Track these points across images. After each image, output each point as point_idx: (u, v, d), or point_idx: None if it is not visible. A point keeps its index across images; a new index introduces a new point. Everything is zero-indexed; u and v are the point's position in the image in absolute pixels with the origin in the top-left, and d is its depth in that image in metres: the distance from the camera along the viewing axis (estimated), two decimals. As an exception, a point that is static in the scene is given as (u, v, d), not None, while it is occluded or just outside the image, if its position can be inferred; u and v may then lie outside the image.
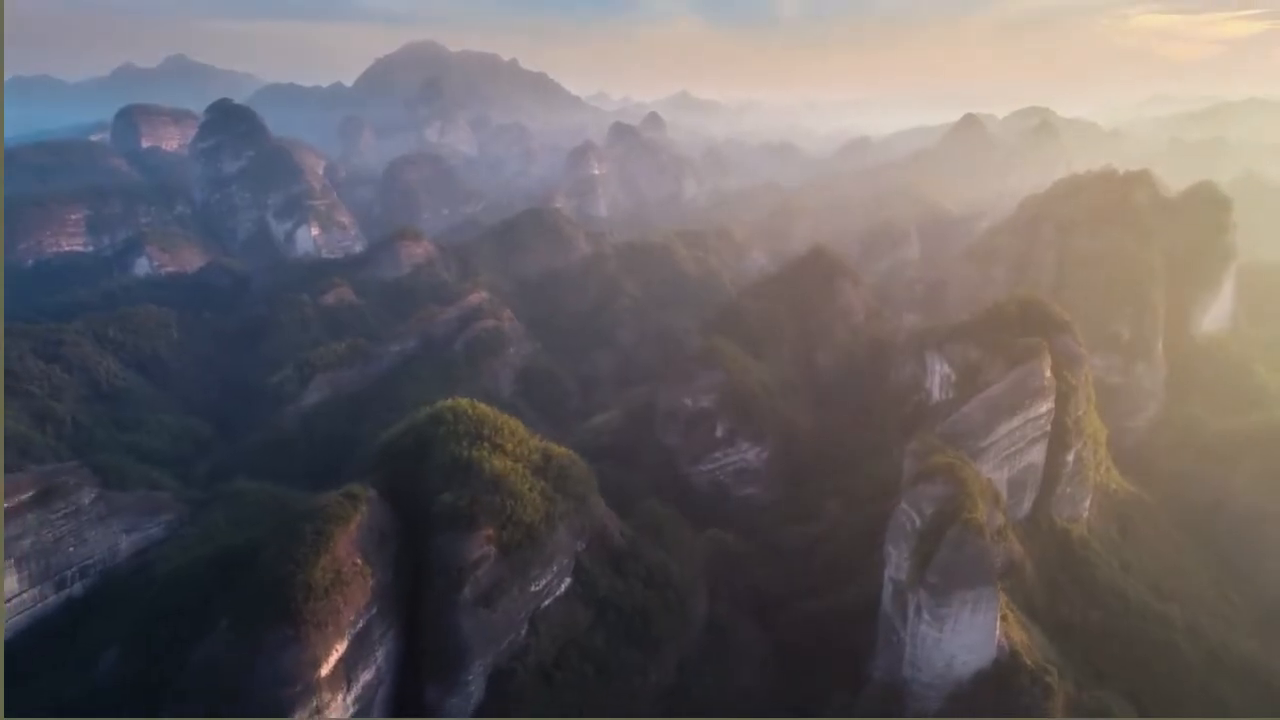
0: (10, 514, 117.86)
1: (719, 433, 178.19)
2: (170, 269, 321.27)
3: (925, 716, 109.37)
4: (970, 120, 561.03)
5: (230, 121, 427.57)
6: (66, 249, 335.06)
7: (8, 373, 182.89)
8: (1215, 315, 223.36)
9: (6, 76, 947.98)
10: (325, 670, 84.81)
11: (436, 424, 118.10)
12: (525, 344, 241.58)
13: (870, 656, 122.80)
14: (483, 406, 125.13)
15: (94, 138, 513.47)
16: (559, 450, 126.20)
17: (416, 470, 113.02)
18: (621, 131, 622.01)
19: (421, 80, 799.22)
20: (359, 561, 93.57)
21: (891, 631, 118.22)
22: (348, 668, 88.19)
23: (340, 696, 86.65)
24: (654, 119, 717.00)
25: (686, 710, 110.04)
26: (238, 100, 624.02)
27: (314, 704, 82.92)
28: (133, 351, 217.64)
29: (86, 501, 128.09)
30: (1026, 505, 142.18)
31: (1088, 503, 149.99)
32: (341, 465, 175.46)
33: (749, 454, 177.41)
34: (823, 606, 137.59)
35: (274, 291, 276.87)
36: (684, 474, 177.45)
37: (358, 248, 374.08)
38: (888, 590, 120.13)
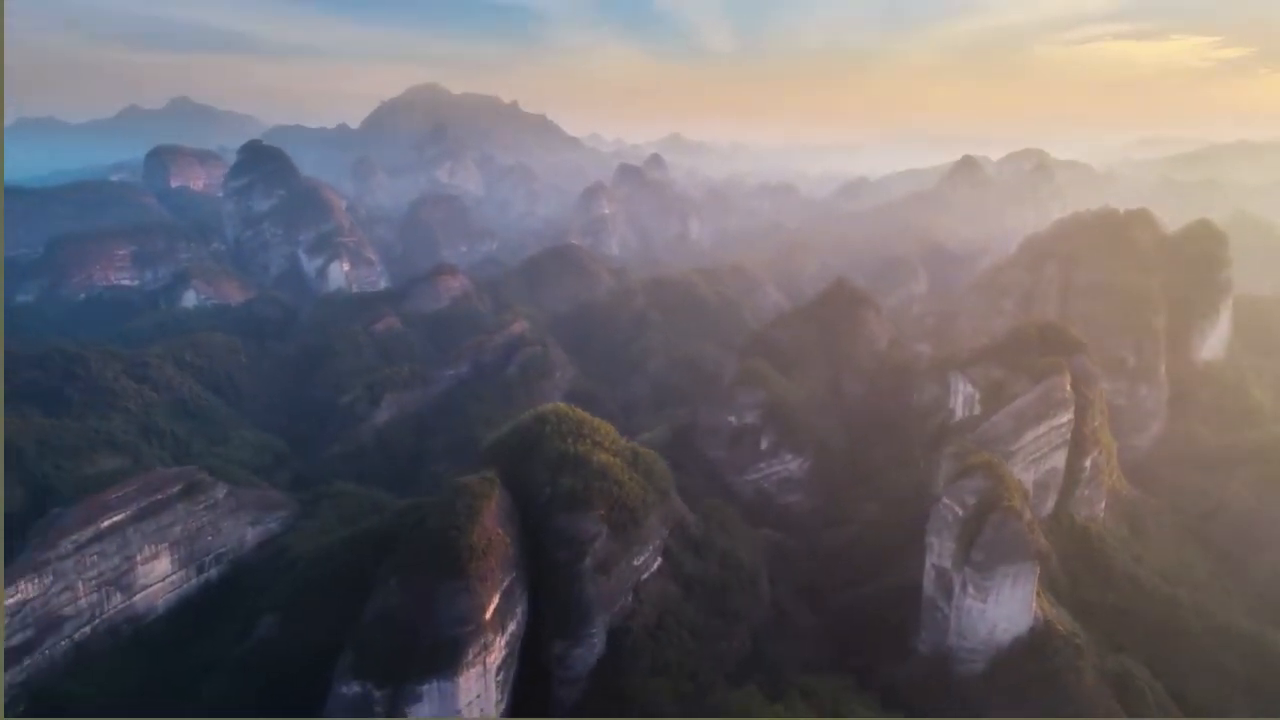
0: (161, 504, 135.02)
1: (763, 446, 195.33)
2: (215, 301, 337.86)
3: (970, 678, 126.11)
4: (968, 162, 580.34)
5: (261, 161, 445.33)
6: (115, 282, 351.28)
7: (106, 390, 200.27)
8: (1213, 343, 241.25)
9: (12, 120, 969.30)
10: (488, 615, 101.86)
11: (542, 424, 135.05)
12: (568, 369, 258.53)
13: (913, 633, 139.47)
14: (579, 410, 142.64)
15: (114, 177, 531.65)
16: (645, 450, 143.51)
17: (525, 463, 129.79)
18: (627, 173, 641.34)
19: (426, 121, 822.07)
20: (500, 532, 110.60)
21: (935, 609, 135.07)
22: (500, 617, 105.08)
23: (498, 639, 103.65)
24: (656, 160, 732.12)
25: (762, 672, 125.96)
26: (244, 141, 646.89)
27: (483, 641, 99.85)
28: (208, 374, 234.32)
29: (220, 496, 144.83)
30: (1049, 505, 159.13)
31: (1102, 504, 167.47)
32: (414, 474, 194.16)
33: (791, 465, 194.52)
34: (866, 593, 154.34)
35: (323, 322, 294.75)
36: (729, 483, 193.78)
37: (383, 283, 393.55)
38: (929, 575, 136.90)
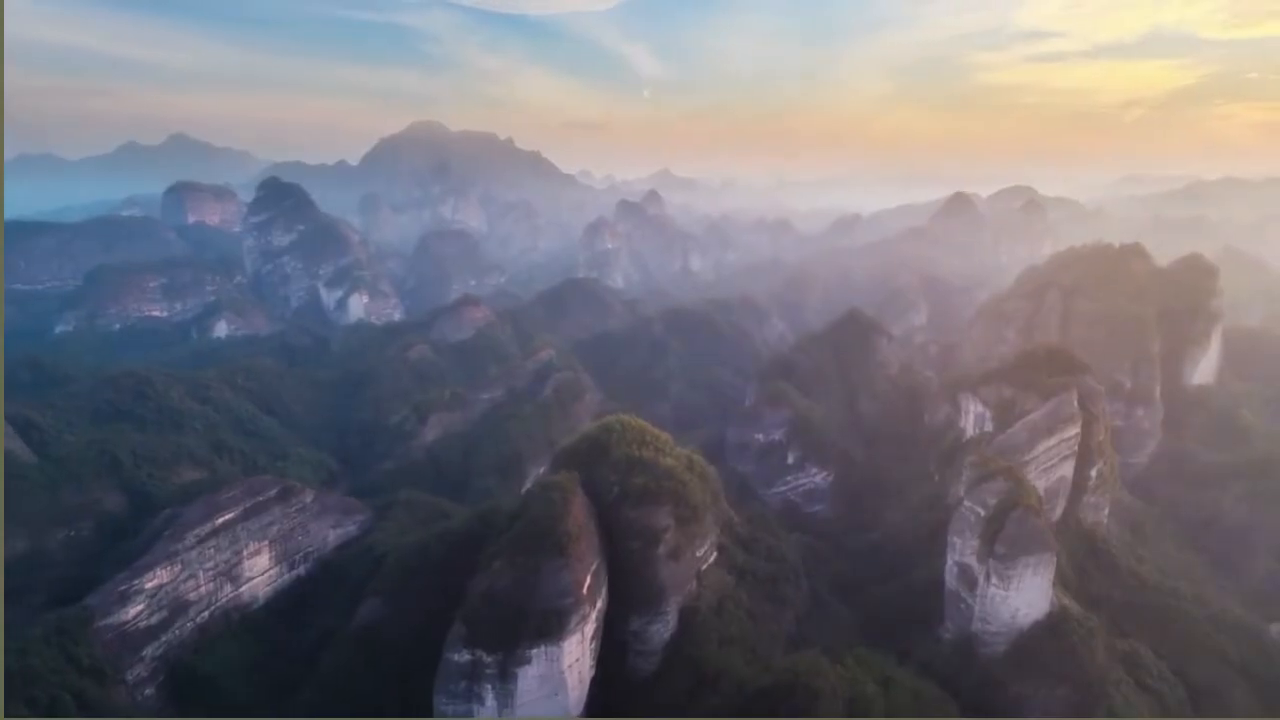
0: (263, 506, 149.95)
1: (790, 460, 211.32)
2: (245, 331, 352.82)
3: (994, 657, 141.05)
4: (960, 198, 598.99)
5: (280, 198, 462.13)
6: (147, 313, 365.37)
7: (174, 410, 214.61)
8: (1204, 369, 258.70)
9: (12, 155, 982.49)
10: (585, 590, 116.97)
11: (609, 432, 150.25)
12: (595, 393, 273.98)
13: (938, 623, 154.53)
14: (640, 421, 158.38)
15: (125, 212, 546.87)
16: (698, 457, 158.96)
17: (594, 466, 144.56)
18: (628, 208, 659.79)
19: (426, 158, 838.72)
20: (585, 521, 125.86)
21: (958, 600, 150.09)
22: (592, 593, 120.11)
23: (592, 612, 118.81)
24: (654, 196, 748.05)
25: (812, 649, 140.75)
26: (246, 177, 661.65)
27: (582, 612, 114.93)
28: (259, 397, 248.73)
29: (308, 500, 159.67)
30: (1059, 510, 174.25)
31: (1106, 511, 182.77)
32: (464, 486, 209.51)
33: (816, 477, 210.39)
34: (893, 589, 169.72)
35: (356, 350, 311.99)
36: (759, 495, 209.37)
37: (397, 315, 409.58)
38: (952, 571, 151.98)
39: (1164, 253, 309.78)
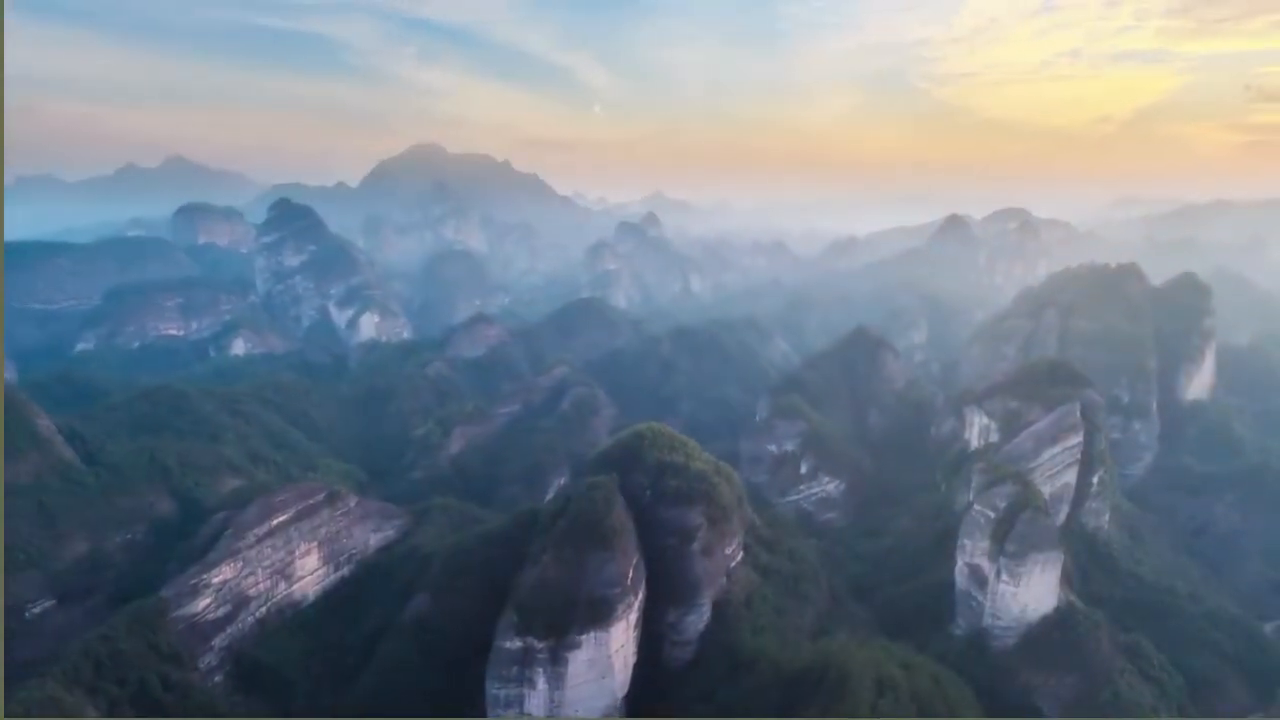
0: (313, 509, 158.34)
1: (803, 470, 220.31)
2: (261, 350, 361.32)
3: (1005, 650, 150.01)
4: (955, 220, 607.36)
5: (291, 219, 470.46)
6: (164, 332, 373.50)
7: (209, 422, 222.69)
8: (1198, 385, 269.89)
9: (11, 179, 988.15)
10: (629, 581, 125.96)
11: (640, 439, 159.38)
12: (610, 408, 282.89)
13: (949, 621, 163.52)
14: (669, 428, 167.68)
15: (131, 233, 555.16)
16: (723, 464, 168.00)
17: (628, 471, 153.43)
18: (627, 230, 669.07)
19: (425, 180, 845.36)
20: (625, 519, 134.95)
21: (969, 599, 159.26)
22: (634, 584, 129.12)
23: (635, 600, 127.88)
24: (652, 218, 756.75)
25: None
26: (245, 199, 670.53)
27: (627, 600, 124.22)
28: (287, 411, 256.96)
29: (352, 505, 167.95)
30: (1062, 515, 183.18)
31: (1107, 516, 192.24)
32: (490, 495, 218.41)
33: (829, 486, 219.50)
34: (905, 591, 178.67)
35: (375, 367, 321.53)
36: (773, 504, 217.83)
37: (406, 334, 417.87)
38: (962, 572, 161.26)
39: (1157, 273, 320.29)
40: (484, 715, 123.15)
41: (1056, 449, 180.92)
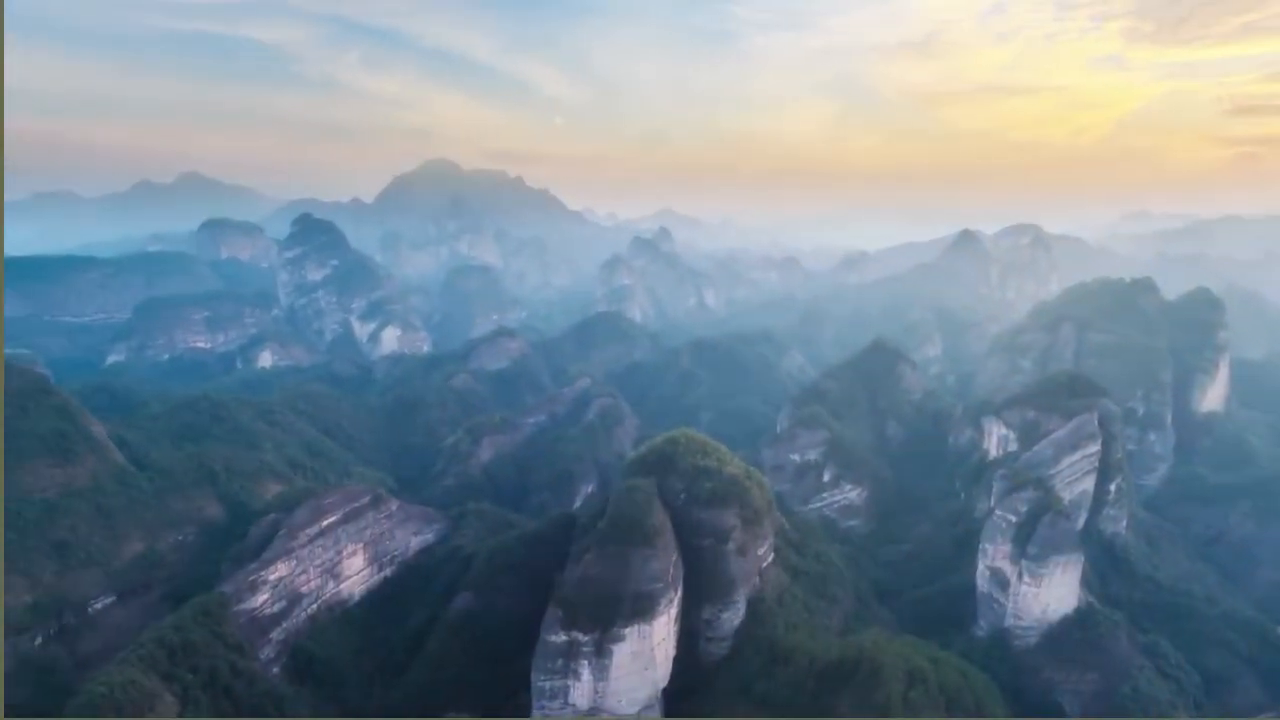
0: (359, 511, 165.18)
1: (826, 478, 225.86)
2: (287, 362, 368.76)
3: (1027, 649, 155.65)
4: (968, 235, 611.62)
5: (314, 234, 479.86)
6: (192, 344, 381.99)
7: (247, 430, 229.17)
8: (1213, 397, 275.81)
9: (27, 194, 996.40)
10: (670, 577, 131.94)
11: (674, 444, 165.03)
12: (634, 418, 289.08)
13: (971, 622, 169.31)
14: (701, 434, 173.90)
15: (152, 248, 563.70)
16: (753, 469, 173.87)
17: (663, 475, 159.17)
18: (641, 245, 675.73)
19: (440, 196, 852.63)
20: (664, 518, 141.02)
21: (990, 601, 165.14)
22: (674, 580, 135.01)
23: (675, 596, 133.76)
24: (664, 234, 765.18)
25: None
26: (260, 214, 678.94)
27: (669, 595, 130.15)
28: (319, 421, 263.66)
29: (394, 508, 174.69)
30: (1081, 522, 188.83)
31: (1124, 523, 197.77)
32: (521, 501, 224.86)
33: (851, 494, 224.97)
34: (927, 594, 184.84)
35: (401, 379, 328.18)
36: (795, 512, 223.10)
37: (426, 347, 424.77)
38: (984, 575, 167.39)
39: (1169, 288, 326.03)
40: (528, 706, 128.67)
41: (1076, 456, 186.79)
